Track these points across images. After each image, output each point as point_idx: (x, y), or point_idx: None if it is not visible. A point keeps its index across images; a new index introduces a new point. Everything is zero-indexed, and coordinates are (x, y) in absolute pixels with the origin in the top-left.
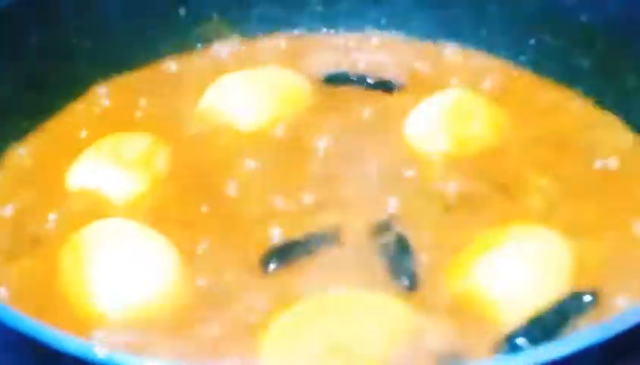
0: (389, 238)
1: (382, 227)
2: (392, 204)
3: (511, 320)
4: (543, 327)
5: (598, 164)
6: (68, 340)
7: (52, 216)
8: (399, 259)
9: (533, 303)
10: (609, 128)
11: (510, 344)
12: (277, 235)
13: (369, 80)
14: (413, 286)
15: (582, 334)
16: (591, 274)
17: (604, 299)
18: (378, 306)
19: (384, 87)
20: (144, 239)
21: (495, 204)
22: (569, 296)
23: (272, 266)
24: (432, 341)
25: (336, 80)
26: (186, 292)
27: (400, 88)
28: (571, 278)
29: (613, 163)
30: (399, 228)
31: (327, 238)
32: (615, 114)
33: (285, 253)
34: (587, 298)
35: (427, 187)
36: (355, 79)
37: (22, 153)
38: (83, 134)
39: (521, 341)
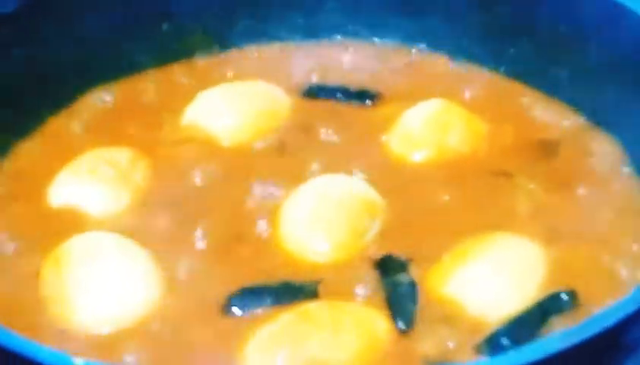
0: (402, 278)
1: (397, 266)
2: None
3: (493, 322)
4: (524, 327)
5: (578, 170)
6: (44, 350)
7: (33, 232)
8: (404, 302)
9: (513, 307)
10: (588, 135)
11: (493, 345)
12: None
13: (351, 92)
14: (407, 330)
15: (561, 336)
16: (570, 277)
17: (583, 299)
18: (360, 316)
19: (366, 98)
20: (123, 253)
21: (478, 210)
22: (548, 297)
23: (236, 310)
24: (415, 347)
25: (318, 92)
26: (164, 306)
27: (382, 99)
28: (550, 282)
29: (592, 168)
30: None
31: (305, 291)
32: (593, 122)
33: (253, 299)
34: (565, 297)
35: (412, 196)
36: (337, 91)
37: (3, 167)
38: (65, 148)
39: (503, 341)
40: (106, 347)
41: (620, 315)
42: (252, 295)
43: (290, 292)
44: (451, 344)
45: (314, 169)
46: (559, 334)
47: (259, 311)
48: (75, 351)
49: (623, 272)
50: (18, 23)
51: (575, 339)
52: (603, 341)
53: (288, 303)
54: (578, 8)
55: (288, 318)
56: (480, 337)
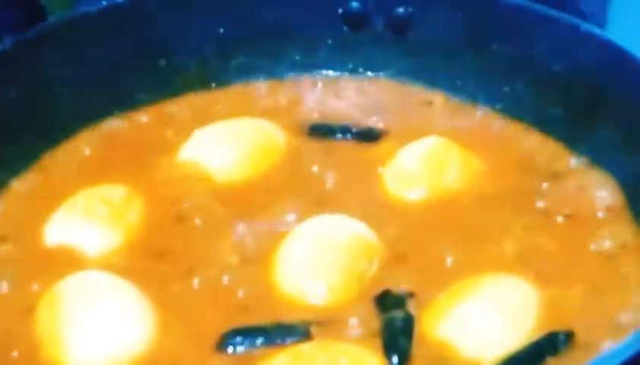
0: (397, 314)
1: (395, 302)
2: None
3: (487, 363)
4: None
5: (573, 209)
6: None
7: (27, 272)
8: (398, 337)
9: (508, 348)
10: (585, 174)
11: None
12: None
13: (349, 130)
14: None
15: None
16: (565, 318)
17: (580, 340)
18: (354, 356)
19: (366, 136)
20: (118, 294)
21: (472, 250)
22: (545, 337)
23: (229, 350)
24: None
25: (317, 130)
26: (158, 346)
27: (379, 137)
28: (545, 324)
29: (588, 208)
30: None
31: (298, 332)
32: (589, 162)
33: (245, 339)
34: (562, 338)
35: (409, 236)
36: (334, 129)
37: None
38: (60, 186)
39: None
40: None
41: (621, 359)
42: (245, 334)
43: (283, 332)
44: None
45: (310, 209)
46: None
47: (253, 352)
48: None
49: (622, 316)
50: (14, 59)
51: None
52: None
53: (280, 344)
54: (574, 49)
55: (282, 359)
56: None
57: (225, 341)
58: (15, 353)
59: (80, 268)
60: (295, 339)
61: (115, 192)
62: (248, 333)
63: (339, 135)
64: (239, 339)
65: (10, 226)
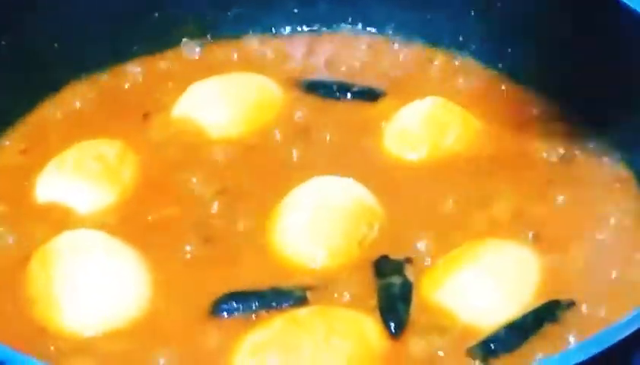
0: (395, 280)
1: (392, 268)
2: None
3: (485, 329)
4: (518, 333)
5: (572, 173)
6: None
7: (19, 228)
8: (396, 303)
9: (507, 314)
10: (586, 138)
11: (485, 351)
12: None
13: (347, 88)
14: (398, 332)
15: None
16: (565, 284)
17: (579, 306)
18: (351, 321)
19: (362, 94)
20: (110, 252)
21: (472, 213)
22: (544, 304)
23: (223, 314)
24: (406, 352)
25: (312, 86)
26: (151, 307)
27: (378, 95)
28: (544, 290)
29: (590, 172)
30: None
31: (294, 296)
32: (593, 127)
33: (240, 303)
34: (561, 305)
35: (408, 197)
36: (332, 86)
37: None
38: (50, 140)
39: (496, 347)
40: (92, 348)
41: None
42: (240, 299)
43: (278, 297)
44: (442, 350)
45: (307, 168)
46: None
47: (250, 316)
48: (60, 352)
49: (622, 282)
50: (4, 10)
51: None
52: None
53: (276, 308)
54: (583, 11)
55: (278, 324)
56: (471, 343)
57: (220, 305)
58: (6, 312)
59: (72, 227)
60: (291, 304)
61: (108, 148)
62: (243, 297)
63: (337, 93)
64: (234, 304)
65: (1, 182)
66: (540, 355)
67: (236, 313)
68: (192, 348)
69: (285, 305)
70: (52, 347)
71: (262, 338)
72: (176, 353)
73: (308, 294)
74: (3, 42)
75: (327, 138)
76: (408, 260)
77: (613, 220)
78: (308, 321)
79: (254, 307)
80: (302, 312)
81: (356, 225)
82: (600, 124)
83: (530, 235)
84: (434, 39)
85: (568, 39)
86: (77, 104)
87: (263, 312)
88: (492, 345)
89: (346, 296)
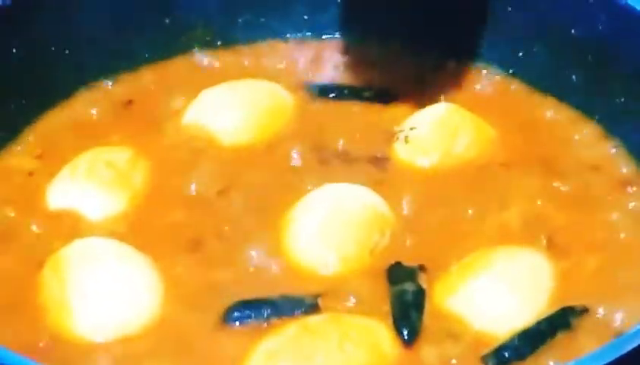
0: (408, 287)
1: (405, 275)
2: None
3: (499, 337)
4: (532, 341)
5: (585, 179)
6: None
7: (30, 234)
8: (409, 310)
9: (521, 322)
10: (599, 143)
11: (499, 358)
12: (255, 258)
13: (358, 92)
14: (411, 339)
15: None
16: (579, 290)
17: (593, 312)
18: (364, 328)
19: (374, 99)
20: (122, 260)
21: (486, 219)
22: (557, 311)
23: (235, 322)
24: (419, 360)
25: (326, 92)
26: (163, 315)
27: (389, 100)
28: (558, 297)
29: (601, 178)
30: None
31: (305, 304)
32: (604, 130)
33: (251, 311)
34: (575, 312)
35: (421, 204)
36: (343, 90)
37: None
38: (61, 148)
39: (509, 354)
40: (104, 355)
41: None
42: (251, 307)
43: (290, 304)
44: (455, 358)
45: (319, 174)
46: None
47: (262, 323)
48: (73, 360)
49: (637, 289)
50: (15, 16)
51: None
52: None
53: (288, 316)
54: (593, 14)
55: (291, 331)
56: (485, 351)
57: (231, 313)
58: (18, 319)
59: (83, 233)
60: (303, 311)
61: (119, 155)
62: (255, 305)
63: (348, 98)
64: (245, 311)
65: (11, 190)
66: (553, 363)
67: (247, 321)
68: (204, 355)
69: (297, 312)
70: (64, 355)
71: (275, 345)
72: (188, 360)
73: (320, 301)
74: (14, 50)
75: (339, 143)
76: (421, 267)
77: (626, 225)
78: (321, 328)
79: (265, 315)
80: (314, 319)
81: (369, 232)
82: (616, 128)
83: (544, 241)
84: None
85: (580, 42)
86: (88, 111)
87: (275, 320)
88: (505, 353)
89: (358, 304)
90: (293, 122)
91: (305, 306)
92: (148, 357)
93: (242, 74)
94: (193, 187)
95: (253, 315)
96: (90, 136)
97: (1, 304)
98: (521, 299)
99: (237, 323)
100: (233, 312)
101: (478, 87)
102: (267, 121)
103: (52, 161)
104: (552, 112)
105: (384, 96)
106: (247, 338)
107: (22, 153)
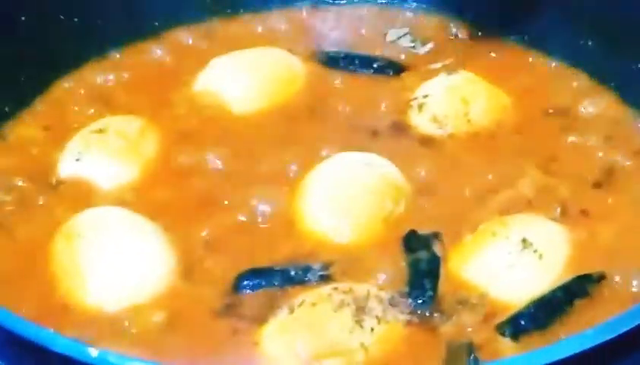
0: (423, 255)
1: (420, 243)
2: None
3: (516, 305)
4: (549, 310)
5: (600, 147)
6: (59, 339)
7: (41, 204)
8: (424, 279)
9: (537, 289)
10: (613, 109)
11: (515, 326)
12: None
13: (370, 61)
14: (425, 309)
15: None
16: (596, 258)
17: (611, 280)
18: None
19: (386, 68)
20: (134, 229)
21: (499, 191)
22: (573, 280)
23: (246, 290)
24: (436, 327)
25: (337, 61)
26: (174, 283)
27: (402, 69)
28: (576, 264)
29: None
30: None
31: (316, 272)
32: (620, 99)
33: (262, 279)
34: (592, 279)
35: (436, 172)
36: (355, 59)
37: (8, 137)
38: (73, 116)
39: (526, 323)
40: (115, 324)
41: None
42: (262, 275)
43: (301, 273)
44: (471, 327)
45: (331, 142)
46: (599, 327)
47: (274, 293)
48: (84, 329)
49: None
50: None
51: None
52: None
53: (299, 284)
54: None
55: (306, 302)
56: (500, 319)
57: (241, 281)
58: (30, 289)
59: (94, 203)
60: (316, 280)
61: (130, 124)
62: (266, 273)
63: (360, 67)
64: (256, 280)
65: (21, 160)
66: (571, 331)
67: (258, 289)
68: (215, 326)
69: (308, 280)
70: (75, 323)
71: (289, 318)
72: (198, 329)
73: (333, 270)
74: (23, 18)
75: (350, 111)
76: (436, 235)
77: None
78: (335, 298)
79: (276, 283)
80: (327, 289)
81: (382, 201)
82: (632, 96)
83: (558, 210)
84: (458, 12)
85: (596, 9)
86: (98, 80)
87: (287, 288)
88: (521, 321)
89: (373, 273)
90: (304, 90)
91: (317, 275)
92: (158, 326)
93: (253, 42)
94: (204, 156)
95: (264, 283)
96: (100, 106)
97: (14, 273)
98: (537, 267)
99: (247, 291)
100: (244, 281)
101: (491, 55)
102: (278, 88)
103: (62, 131)
104: (566, 80)
105: (396, 65)
106: (261, 305)
107: (32, 124)
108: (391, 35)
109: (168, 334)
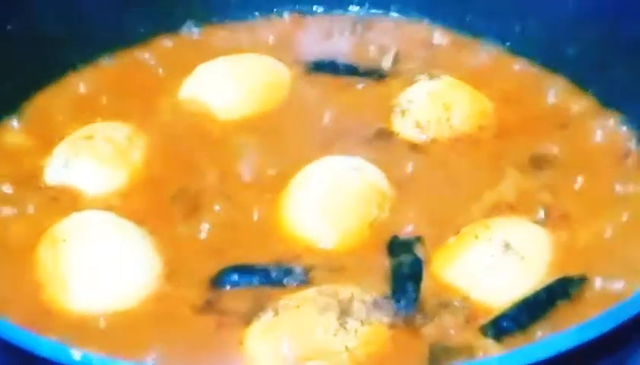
0: (405, 259)
1: (403, 247)
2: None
3: (498, 307)
4: (530, 310)
5: (582, 151)
6: (42, 342)
7: (28, 210)
8: (406, 282)
9: (519, 291)
10: (596, 115)
11: (497, 328)
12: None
13: (354, 68)
14: (409, 310)
15: (559, 337)
16: (578, 260)
17: (592, 282)
18: (362, 305)
19: (370, 75)
20: (119, 234)
21: (483, 192)
22: (555, 281)
23: (227, 287)
24: (418, 329)
25: (321, 68)
26: (159, 288)
27: (386, 75)
28: (558, 267)
29: (599, 150)
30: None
31: (296, 273)
32: (600, 104)
33: (241, 277)
34: (573, 281)
35: (418, 177)
36: (339, 66)
37: None
38: (59, 122)
39: (507, 324)
40: (99, 329)
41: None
42: (242, 272)
43: (282, 273)
44: (453, 329)
45: (315, 149)
46: (585, 324)
47: (257, 293)
48: (69, 332)
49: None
50: None
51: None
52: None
53: (277, 285)
54: None
55: (291, 303)
56: (483, 321)
57: (221, 278)
58: (16, 294)
59: (80, 208)
60: (297, 282)
61: (117, 131)
62: (247, 271)
63: (343, 74)
64: (235, 277)
65: (9, 167)
66: (552, 332)
67: (238, 286)
68: (200, 328)
69: (290, 282)
70: (60, 329)
71: (273, 319)
72: (184, 332)
73: (315, 273)
74: (9, 27)
75: (335, 118)
76: (419, 239)
77: (626, 197)
78: (319, 301)
79: (256, 282)
80: (312, 292)
81: (367, 206)
82: (612, 101)
83: (542, 213)
84: (439, 19)
85: (577, 14)
86: (84, 87)
87: (272, 290)
88: (504, 323)
89: (356, 276)
90: (289, 97)
91: (298, 277)
92: (144, 329)
93: (238, 49)
94: (189, 162)
95: (243, 280)
96: (87, 112)
97: (0, 280)
98: (519, 269)
99: (228, 286)
100: (225, 276)
101: (473, 60)
102: (264, 95)
103: (50, 137)
104: (547, 85)
105: (379, 71)
106: (244, 307)
107: (20, 130)
108: (385, 62)
109: (152, 336)
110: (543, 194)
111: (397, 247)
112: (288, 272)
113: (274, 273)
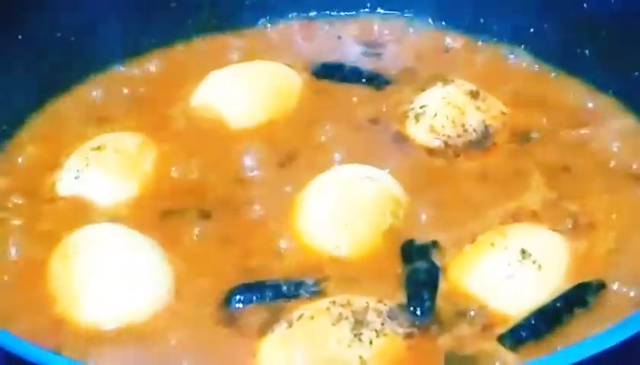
0: (421, 265)
1: (419, 252)
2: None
3: (515, 315)
4: (548, 319)
5: (602, 154)
6: (54, 357)
7: (40, 222)
8: (422, 289)
9: (536, 299)
10: (611, 115)
11: (515, 337)
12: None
13: (364, 75)
14: (424, 318)
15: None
16: (596, 269)
17: (610, 289)
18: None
19: (381, 81)
20: (131, 246)
21: (499, 199)
22: (573, 288)
23: (238, 304)
24: (435, 338)
25: (330, 73)
26: (171, 300)
27: (397, 80)
28: (576, 276)
29: (617, 153)
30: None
31: (308, 287)
32: (617, 102)
33: (253, 294)
34: (591, 288)
35: (433, 184)
36: (349, 73)
37: (6, 155)
38: (71, 133)
39: (525, 333)
40: (111, 342)
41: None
42: (253, 290)
43: (292, 288)
44: (470, 337)
45: (328, 155)
46: (603, 334)
47: (270, 307)
48: (81, 346)
49: None
50: (22, 2)
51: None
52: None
53: (292, 298)
54: None
55: (305, 315)
56: (500, 330)
57: (233, 295)
58: (27, 308)
59: (93, 220)
60: (309, 295)
61: (128, 141)
62: (257, 288)
63: (354, 80)
64: (247, 294)
65: (20, 177)
66: (570, 341)
67: (249, 304)
68: (213, 341)
69: (302, 296)
70: (72, 342)
71: (288, 330)
72: (196, 345)
73: (327, 285)
74: (19, 37)
75: (347, 123)
76: (434, 244)
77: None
78: (333, 312)
79: (268, 299)
80: (326, 302)
81: (382, 215)
82: (631, 103)
83: (569, 222)
84: (454, 22)
85: (592, 14)
86: (95, 97)
87: (286, 302)
88: (522, 333)
89: (371, 285)
90: (301, 103)
91: (309, 290)
92: (156, 343)
93: (249, 56)
94: (202, 171)
95: (255, 297)
96: (98, 122)
97: (12, 290)
98: (536, 277)
99: (239, 305)
100: (235, 295)
101: (488, 64)
102: (275, 102)
103: (61, 148)
104: (564, 88)
105: (391, 76)
106: (258, 321)
107: (30, 141)
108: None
109: (164, 349)
110: (564, 201)
111: (413, 252)
112: (299, 285)
113: (285, 287)
